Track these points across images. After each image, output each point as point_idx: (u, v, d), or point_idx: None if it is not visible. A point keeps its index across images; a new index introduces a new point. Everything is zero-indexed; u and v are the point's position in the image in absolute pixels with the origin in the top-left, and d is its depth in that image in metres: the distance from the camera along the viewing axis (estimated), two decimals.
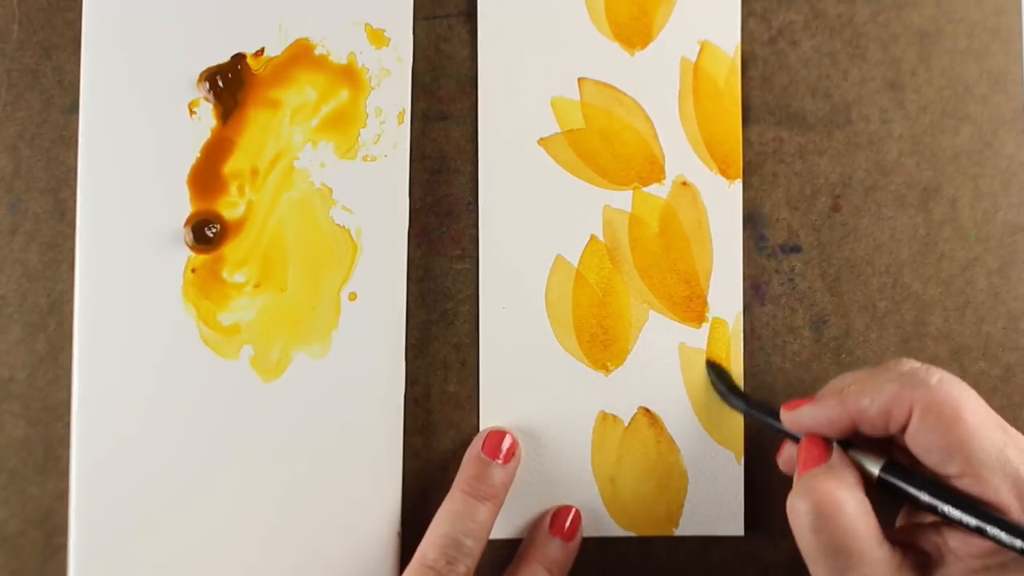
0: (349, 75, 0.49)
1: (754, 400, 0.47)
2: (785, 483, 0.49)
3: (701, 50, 0.51)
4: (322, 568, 0.48)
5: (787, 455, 0.46)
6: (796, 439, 0.43)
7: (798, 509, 0.40)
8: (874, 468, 0.40)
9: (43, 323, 0.48)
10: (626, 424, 0.50)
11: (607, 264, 0.50)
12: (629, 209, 0.50)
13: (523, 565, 0.47)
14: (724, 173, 0.51)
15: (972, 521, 0.37)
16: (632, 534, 0.50)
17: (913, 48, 0.52)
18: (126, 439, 0.47)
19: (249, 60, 0.49)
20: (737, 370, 0.50)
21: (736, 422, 0.50)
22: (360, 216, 0.49)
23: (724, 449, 0.50)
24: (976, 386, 0.50)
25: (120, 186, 0.48)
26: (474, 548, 0.45)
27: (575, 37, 0.51)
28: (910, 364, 0.41)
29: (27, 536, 0.48)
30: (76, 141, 0.48)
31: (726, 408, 0.50)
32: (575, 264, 0.50)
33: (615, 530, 0.50)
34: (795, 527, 0.40)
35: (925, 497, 0.38)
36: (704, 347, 0.50)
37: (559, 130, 0.50)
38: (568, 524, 0.48)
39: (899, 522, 0.45)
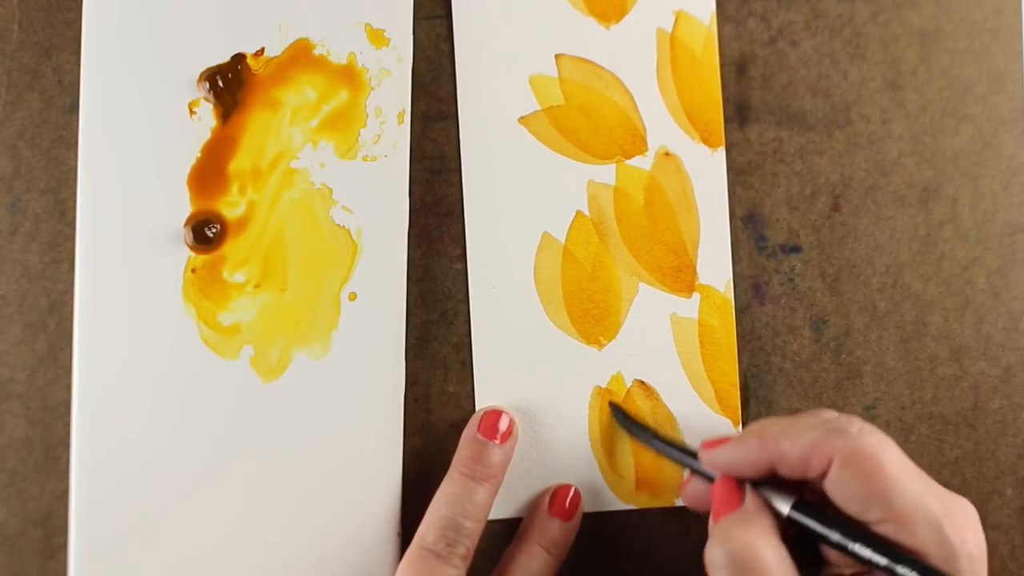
0: (349, 75, 0.49)
1: (664, 436, 0.47)
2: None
3: (676, 20, 0.51)
4: (321, 568, 0.48)
5: (693, 490, 0.45)
6: (710, 478, 0.43)
7: (716, 560, 0.39)
8: (784, 507, 0.40)
9: (43, 323, 0.48)
10: (622, 398, 0.50)
11: (594, 238, 0.50)
12: (613, 182, 0.51)
13: (522, 546, 0.47)
14: (706, 141, 0.51)
15: (882, 560, 0.37)
16: (634, 507, 0.50)
17: (913, 48, 0.52)
18: (126, 439, 0.47)
19: (249, 60, 0.49)
20: (730, 341, 0.50)
21: (732, 389, 0.50)
22: (360, 216, 0.49)
23: (721, 416, 0.50)
24: (976, 386, 0.50)
25: (120, 186, 0.48)
26: (473, 529, 0.44)
27: (550, 13, 0.51)
28: (831, 413, 0.41)
29: (27, 536, 0.48)
30: (76, 141, 0.48)
31: (722, 375, 0.50)
32: (562, 240, 0.50)
33: (616, 504, 0.50)
34: (712, 575, 0.40)
35: (836, 536, 0.38)
36: (696, 316, 0.50)
37: (539, 107, 0.51)
38: (568, 503, 0.48)
39: None
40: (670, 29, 0.51)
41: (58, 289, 0.48)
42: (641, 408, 0.50)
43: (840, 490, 0.38)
